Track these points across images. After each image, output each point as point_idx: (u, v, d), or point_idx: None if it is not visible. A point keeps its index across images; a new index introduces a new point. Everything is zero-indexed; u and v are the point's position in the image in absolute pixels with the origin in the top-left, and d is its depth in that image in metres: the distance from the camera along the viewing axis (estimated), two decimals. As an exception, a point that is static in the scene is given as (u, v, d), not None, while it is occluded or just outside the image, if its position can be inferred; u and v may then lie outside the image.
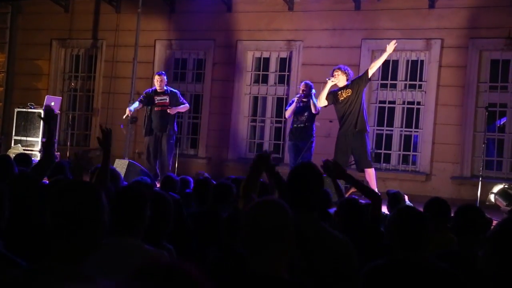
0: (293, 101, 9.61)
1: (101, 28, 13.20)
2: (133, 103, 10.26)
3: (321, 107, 9.13)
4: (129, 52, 12.12)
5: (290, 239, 2.32)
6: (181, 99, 10.27)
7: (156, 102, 10.08)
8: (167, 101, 10.06)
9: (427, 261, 2.92)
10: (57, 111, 11.56)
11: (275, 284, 2.25)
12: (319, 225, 3.01)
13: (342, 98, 8.73)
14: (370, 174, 8.56)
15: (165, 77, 10.23)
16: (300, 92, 9.56)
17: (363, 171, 8.63)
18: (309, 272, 2.67)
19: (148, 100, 10.13)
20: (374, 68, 8.84)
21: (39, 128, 11.12)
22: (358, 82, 8.75)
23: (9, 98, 13.85)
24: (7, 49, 13.88)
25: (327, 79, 8.94)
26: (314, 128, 9.66)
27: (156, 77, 10.22)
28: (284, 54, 12.00)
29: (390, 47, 8.67)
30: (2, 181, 4.04)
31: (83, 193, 2.21)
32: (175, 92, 10.24)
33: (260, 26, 11.91)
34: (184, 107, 10.35)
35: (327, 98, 8.93)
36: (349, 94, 8.69)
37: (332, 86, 8.94)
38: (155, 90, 10.15)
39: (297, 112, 9.54)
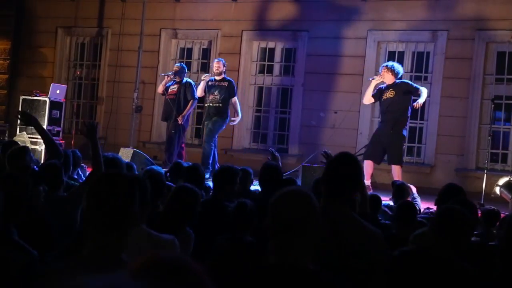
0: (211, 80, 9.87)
1: (107, 17, 13.18)
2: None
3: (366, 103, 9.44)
4: (134, 41, 12.11)
5: (317, 229, 2.29)
6: (191, 92, 9.97)
7: (169, 91, 9.99)
8: (175, 90, 9.97)
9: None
10: (62, 99, 11.57)
11: (302, 275, 2.23)
12: (353, 216, 2.96)
13: (385, 97, 8.83)
14: (395, 170, 8.69)
15: (182, 67, 10.12)
16: (214, 70, 9.77)
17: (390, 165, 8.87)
18: (338, 263, 2.66)
19: (166, 89, 10.07)
20: (422, 97, 8.76)
21: (44, 116, 11.11)
22: (404, 88, 8.78)
23: (15, 85, 13.85)
24: (12, 37, 13.88)
25: (370, 79, 8.98)
26: (228, 112, 9.79)
27: (175, 68, 10.20)
28: (289, 45, 11.98)
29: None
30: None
31: (122, 184, 2.29)
32: (189, 83, 10.01)
33: (266, 16, 11.89)
34: (189, 107, 9.94)
35: (373, 96, 9.06)
36: (392, 96, 8.75)
37: (380, 83, 9.00)
38: (174, 81, 10.03)
39: (209, 91, 9.71)
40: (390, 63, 9.03)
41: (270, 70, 12.18)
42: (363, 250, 2.82)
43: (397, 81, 8.83)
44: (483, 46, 10.52)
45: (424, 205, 7.21)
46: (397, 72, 8.81)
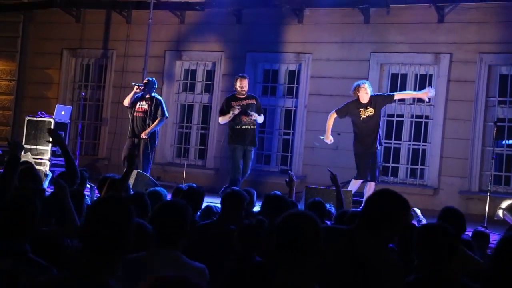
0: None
1: (112, 38, 13.29)
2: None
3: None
4: (139, 62, 12.19)
5: (321, 251, 2.30)
6: (162, 110, 9.73)
7: (137, 107, 9.73)
8: (146, 107, 9.68)
9: (455, 277, 2.98)
10: (68, 120, 11.63)
11: None
12: (382, 249, 2.93)
13: (365, 116, 8.78)
14: (372, 187, 8.69)
15: (152, 82, 9.84)
16: (239, 88, 9.27)
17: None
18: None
19: (133, 103, 9.81)
20: (401, 96, 9.09)
21: (49, 136, 11.16)
22: (381, 101, 8.85)
23: (20, 106, 13.94)
24: (18, 58, 14.00)
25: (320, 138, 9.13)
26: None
27: (144, 81, 10.02)
28: (293, 67, 12.05)
29: (425, 94, 8.97)
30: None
31: (119, 209, 2.32)
32: (160, 101, 9.77)
33: (270, 38, 11.97)
34: (157, 124, 9.69)
35: (339, 111, 8.97)
36: (372, 113, 8.74)
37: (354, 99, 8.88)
38: (143, 95, 9.77)
39: (244, 112, 9.28)
40: (367, 82, 9.03)
41: (273, 91, 12.25)
42: (384, 278, 2.83)
43: (372, 97, 8.79)
44: (486, 69, 10.57)
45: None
46: (372, 90, 8.89)
